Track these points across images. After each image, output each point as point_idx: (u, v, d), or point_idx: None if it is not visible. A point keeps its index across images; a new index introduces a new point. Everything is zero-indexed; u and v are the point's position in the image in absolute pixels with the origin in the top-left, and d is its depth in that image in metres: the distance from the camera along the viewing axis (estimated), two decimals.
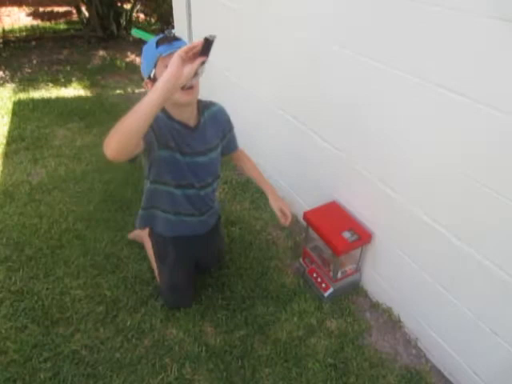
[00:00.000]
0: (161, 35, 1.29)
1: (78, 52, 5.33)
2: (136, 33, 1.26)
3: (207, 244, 1.81)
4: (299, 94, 2.09)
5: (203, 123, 1.48)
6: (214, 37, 1.04)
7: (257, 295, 1.92)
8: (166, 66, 1.08)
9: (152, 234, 1.73)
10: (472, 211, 1.33)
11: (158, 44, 1.26)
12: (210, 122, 1.51)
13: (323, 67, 1.85)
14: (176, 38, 1.28)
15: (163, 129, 1.35)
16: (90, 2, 5.44)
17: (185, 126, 1.41)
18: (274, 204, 1.66)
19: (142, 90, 4.26)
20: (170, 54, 1.16)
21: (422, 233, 1.54)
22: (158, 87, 1.01)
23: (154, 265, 1.88)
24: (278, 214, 1.65)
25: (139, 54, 5.41)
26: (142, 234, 2.00)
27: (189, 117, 1.42)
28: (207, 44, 1.04)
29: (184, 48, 1.04)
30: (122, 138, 1.03)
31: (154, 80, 1.27)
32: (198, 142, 1.47)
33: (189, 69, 1.04)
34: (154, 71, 1.28)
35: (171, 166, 1.44)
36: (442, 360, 1.64)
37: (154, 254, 1.79)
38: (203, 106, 1.51)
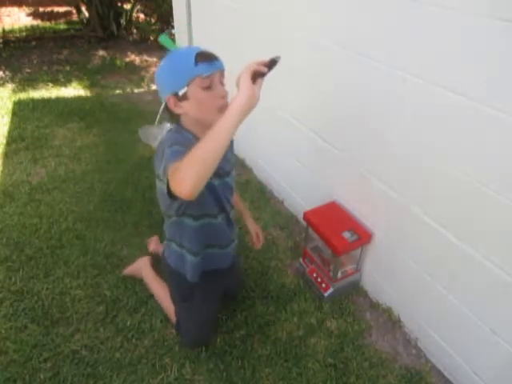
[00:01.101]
0: (196, 50, 1.13)
1: (78, 52, 5.33)
2: (164, 40, 1.14)
3: (232, 273, 1.72)
4: (298, 94, 2.09)
5: None
6: (279, 58, 1.03)
7: (257, 295, 1.92)
8: (203, 88, 1.10)
9: (173, 275, 1.55)
10: (472, 211, 1.33)
11: (197, 61, 1.10)
12: None
13: (323, 67, 1.85)
14: (215, 57, 1.16)
15: None
16: (90, 2, 5.45)
17: None
18: (252, 226, 1.76)
19: (142, 89, 4.27)
20: (211, 76, 1.13)
21: (422, 233, 1.54)
22: (235, 113, 0.93)
23: (166, 303, 1.72)
24: (254, 236, 1.74)
25: (139, 54, 5.42)
26: (141, 266, 1.90)
27: None
28: (272, 64, 1.03)
29: (252, 68, 1.00)
30: (201, 169, 0.91)
31: (181, 99, 1.14)
32: (224, 161, 1.26)
33: (258, 89, 0.97)
34: (185, 90, 1.13)
35: (209, 192, 1.28)
36: (441, 360, 1.64)
37: (175, 294, 1.62)
38: None
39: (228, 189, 1.41)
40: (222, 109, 1.09)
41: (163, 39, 1.16)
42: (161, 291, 1.77)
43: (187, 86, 1.12)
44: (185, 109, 1.17)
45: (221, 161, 1.19)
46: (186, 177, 0.89)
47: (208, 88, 1.13)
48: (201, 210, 1.32)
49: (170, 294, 1.68)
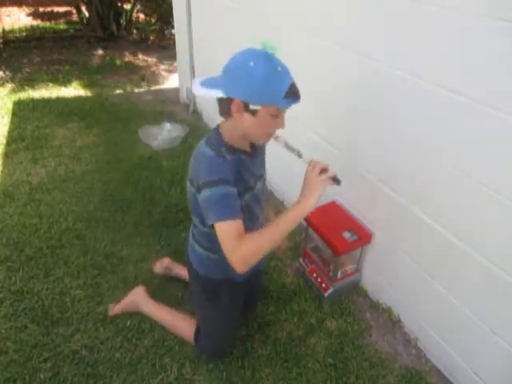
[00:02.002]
0: (290, 79, 1.08)
1: (78, 52, 5.33)
2: (265, 45, 1.10)
3: (254, 285, 1.68)
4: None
5: (256, 147, 1.30)
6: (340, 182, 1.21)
7: None
8: (272, 115, 1.08)
9: (197, 276, 1.48)
10: (472, 211, 1.33)
11: (287, 95, 1.06)
12: (258, 147, 1.33)
13: (322, 67, 1.85)
14: (299, 95, 1.10)
15: (243, 173, 1.19)
16: (90, 2, 5.45)
17: (246, 153, 1.22)
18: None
19: (142, 89, 4.27)
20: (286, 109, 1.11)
21: (422, 233, 1.54)
22: (301, 216, 1.16)
23: (177, 324, 1.68)
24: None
25: (139, 54, 5.42)
26: (136, 298, 1.78)
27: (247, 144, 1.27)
28: (338, 182, 1.22)
29: (331, 175, 1.20)
30: (261, 256, 1.09)
31: (247, 110, 1.07)
32: (257, 167, 1.30)
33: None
34: (258, 108, 1.07)
35: (251, 204, 1.27)
36: (442, 360, 1.64)
37: (199, 297, 1.54)
38: None
39: (261, 196, 1.36)
40: (271, 136, 1.19)
41: (265, 44, 1.09)
42: (167, 313, 1.71)
43: (262, 106, 1.07)
44: (243, 119, 1.10)
45: (253, 166, 1.25)
46: (250, 261, 1.06)
47: (275, 116, 1.11)
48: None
49: (193, 302, 1.58)
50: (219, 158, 1.12)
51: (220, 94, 1.06)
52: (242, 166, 1.19)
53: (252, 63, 1.03)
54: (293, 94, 1.07)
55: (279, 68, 1.06)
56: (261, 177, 1.34)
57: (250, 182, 1.25)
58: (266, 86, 1.04)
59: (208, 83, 1.10)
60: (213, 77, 1.12)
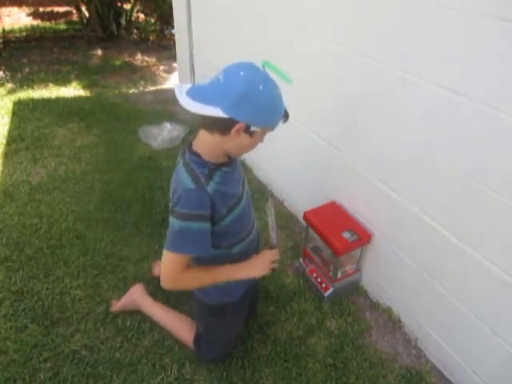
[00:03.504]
0: (284, 104, 1.09)
1: (78, 52, 5.33)
2: (268, 65, 1.07)
3: (256, 286, 1.66)
4: (298, 94, 2.09)
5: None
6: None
7: None
8: (263, 135, 1.10)
9: (203, 305, 1.45)
10: (472, 211, 1.33)
11: (283, 117, 1.10)
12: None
13: (322, 67, 1.85)
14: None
15: (224, 196, 1.16)
16: (90, 2, 5.45)
17: (225, 163, 1.19)
18: None
19: (142, 90, 4.27)
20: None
21: (422, 233, 1.54)
22: (229, 277, 1.25)
23: (175, 325, 1.66)
24: None
25: (139, 54, 5.42)
26: (135, 297, 1.78)
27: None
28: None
29: (274, 267, 1.31)
30: (189, 288, 1.30)
31: (246, 131, 1.05)
32: (238, 171, 1.27)
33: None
34: (257, 129, 1.06)
35: (242, 217, 1.26)
36: (441, 360, 1.64)
37: (204, 309, 1.48)
38: None
39: (249, 202, 1.36)
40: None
41: (269, 65, 1.05)
42: (165, 315, 1.70)
43: (261, 128, 1.07)
44: (239, 139, 1.06)
45: (233, 175, 1.22)
46: (177, 287, 1.22)
47: (265, 134, 1.13)
48: (233, 238, 1.29)
49: (195, 314, 1.57)
50: (199, 192, 1.08)
51: (219, 113, 0.98)
52: (226, 183, 1.16)
53: (261, 87, 0.99)
54: (286, 116, 1.11)
55: (279, 91, 1.07)
56: (243, 179, 1.33)
57: (238, 191, 1.24)
58: (271, 111, 1.06)
59: (198, 95, 1.01)
60: (201, 85, 1.05)
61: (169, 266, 1.16)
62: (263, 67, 1.04)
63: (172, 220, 1.11)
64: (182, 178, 1.10)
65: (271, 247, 1.33)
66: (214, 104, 0.98)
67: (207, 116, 1.01)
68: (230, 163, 1.20)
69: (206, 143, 1.12)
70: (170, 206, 1.13)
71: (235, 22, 2.57)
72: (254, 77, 1.00)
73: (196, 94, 1.01)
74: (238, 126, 1.02)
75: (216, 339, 1.53)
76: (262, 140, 1.14)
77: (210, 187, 1.11)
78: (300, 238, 2.28)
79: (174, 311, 1.71)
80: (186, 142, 1.20)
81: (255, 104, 1.00)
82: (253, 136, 1.07)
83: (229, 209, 1.18)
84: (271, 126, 1.10)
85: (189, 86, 1.05)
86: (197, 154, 1.13)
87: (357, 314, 1.87)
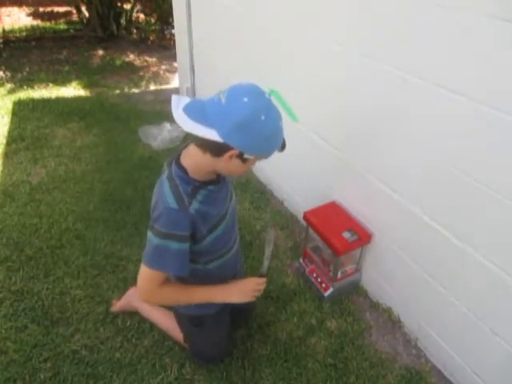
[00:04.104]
0: (283, 135, 1.07)
1: (78, 52, 5.33)
2: (276, 95, 1.06)
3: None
4: (298, 95, 2.09)
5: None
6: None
7: None
8: (255, 161, 1.05)
9: (180, 315, 1.50)
10: (472, 211, 1.33)
11: (280, 148, 1.08)
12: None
13: (322, 67, 1.85)
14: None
15: (206, 216, 1.13)
16: (90, 2, 5.44)
17: (212, 182, 1.15)
18: None
19: (142, 89, 4.27)
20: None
21: (422, 233, 1.54)
22: (207, 299, 1.25)
23: (172, 327, 1.64)
24: None
25: (139, 54, 5.41)
26: (132, 300, 1.76)
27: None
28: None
29: (257, 294, 1.28)
30: (167, 304, 1.33)
31: (239, 157, 1.01)
32: (225, 189, 1.24)
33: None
34: (249, 157, 1.02)
35: (223, 235, 1.24)
36: (442, 360, 1.64)
37: (183, 320, 1.52)
38: None
39: (234, 217, 1.33)
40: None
41: (276, 94, 1.00)
42: (163, 317, 1.69)
43: (252, 155, 1.03)
44: (231, 164, 1.03)
45: (220, 193, 1.20)
46: (151, 302, 1.32)
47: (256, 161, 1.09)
48: (211, 256, 1.27)
49: (177, 321, 1.56)
50: (181, 213, 1.05)
51: (215, 136, 0.94)
52: (210, 202, 1.13)
53: (263, 117, 0.95)
54: (283, 147, 1.08)
55: (281, 123, 1.03)
56: (231, 195, 1.30)
57: (222, 211, 1.21)
58: (269, 142, 1.02)
59: (196, 113, 0.96)
60: (200, 102, 1.00)
61: (145, 279, 1.16)
62: (269, 95, 0.98)
63: (150, 235, 1.09)
64: (164, 194, 1.06)
65: (261, 275, 1.31)
66: (211, 126, 0.94)
67: (201, 137, 0.97)
68: (217, 181, 1.16)
69: (195, 160, 1.08)
70: (150, 220, 1.10)
71: (235, 22, 2.57)
72: (257, 105, 0.95)
73: (194, 111, 0.97)
74: (231, 152, 0.98)
75: (201, 345, 1.55)
76: (254, 165, 1.10)
77: (193, 207, 1.08)
78: (300, 238, 2.28)
79: (170, 313, 1.71)
80: (175, 152, 1.15)
81: (254, 134, 0.96)
82: (245, 162, 1.04)
83: (209, 229, 1.15)
84: (265, 156, 1.06)
85: (187, 100, 1.00)
86: (183, 169, 1.09)
87: (357, 314, 1.87)
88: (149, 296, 1.20)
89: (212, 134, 0.94)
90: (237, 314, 1.62)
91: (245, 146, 0.98)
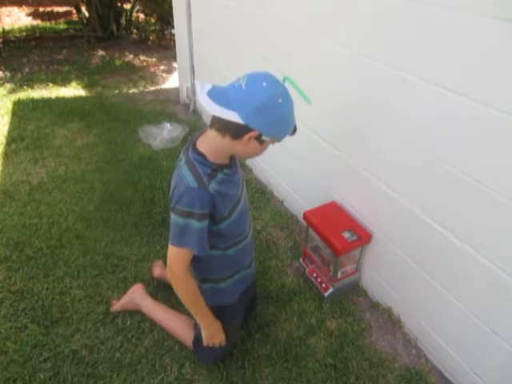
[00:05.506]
0: (295, 119, 1.15)
1: (78, 52, 5.33)
2: (290, 81, 1.10)
3: (253, 287, 1.65)
4: (298, 95, 2.09)
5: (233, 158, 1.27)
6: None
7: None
8: (270, 143, 1.13)
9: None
10: (472, 211, 1.33)
11: (292, 131, 1.16)
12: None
13: (322, 67, 1.85)
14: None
15: (225, 197, 1.18)
16: (90, 2, 5.45)
17: (227, 166, 1.20)
18: None
19: (142, 89, 4.27)
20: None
21: (422, 233, 1.54)
22: (201, 319, 1.35)
23: (176, 326, 1.67)
24: None
25: (139, 54, 5.42)
26: (134, 297, 1.77)
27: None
28: None
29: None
30: (183, 295, 1.28)
31: (257, 139, 1.08)
32: (238, 174, 1.30)
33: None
34: (266, 138, 1.10)
35: (239, 220, 1.29)
36: (442, 360, 1.64)
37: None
38: None
39: (246, 204, 1.38)
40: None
41: (290, 81, 1.09)
42: (165, 316, 1.69)
43: (271, 138, 1.12)
44: (248, 145, 1.10)
45: (234, 177, 1.24)
46: (181, 284, 1.25)
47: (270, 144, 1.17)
48: (219, 243, 1.30)
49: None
50: (202, 191, 1.11)
51: (237, 118, 1.01)
52: (226, 184, 1.18)
53: (280, 100, 1.04)
54: (294, 130, 1.17)
55: (293, 107, 1.11)
56: (243, 184, 1.35)
57: (237, 194, 1.27)
58: (284, 124, 1.11)
59: (218, 97, 1.03)
60: (222, 88, 1.06)
61: (177, 260, 1.19)
62: (284, 81, 1.07)
63: (173, 217, 1.14)
64: (184, 176, 1.12)
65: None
66: (233, 109, 1.01)
67: (223, 119, 1.03)
68: (231, 165, 1.22)
69: (213, 143, 1.14)
70: (171, 202, 1.15)
71: (235, 22, 2.57)
72: (276, 90, 1.04)
73: (217, 96, 1.04)
74: (251, 134, 1.05)
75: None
76: (266, 149, 1.17)
77: (212, 187, 1.13)
78: (300, 238, 2.28)
79: (173, 311, 1.71)
80: (190, 140, 1.22)
81: (272, 116, 1.04)
82: (262, 144, 1.12)
83: (230, 210, 1.21)
84: (280, 138, 1.14)
85: (209, 85, 1.07)
86: (201, 154, 1.14)
87: (357, 314, 1.87)
88: (181, 277, 1.21)
89: (234, 116, 1.01)
90: (250, 305, 1.66)
91: (264, 128, 1.05)
